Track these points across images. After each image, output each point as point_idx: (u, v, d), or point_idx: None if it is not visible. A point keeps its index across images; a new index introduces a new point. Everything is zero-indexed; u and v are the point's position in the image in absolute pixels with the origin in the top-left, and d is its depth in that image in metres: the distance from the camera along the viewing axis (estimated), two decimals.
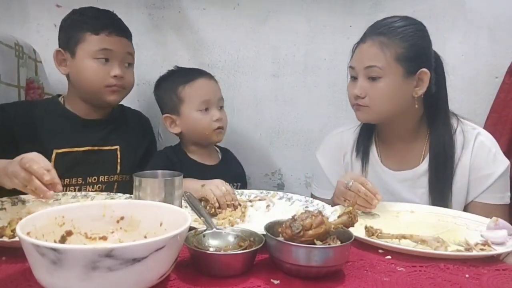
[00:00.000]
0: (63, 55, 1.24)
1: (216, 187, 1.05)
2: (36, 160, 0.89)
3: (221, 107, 1.37)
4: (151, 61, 1.67)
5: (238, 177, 1.41)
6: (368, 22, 1.67)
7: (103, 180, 1.26)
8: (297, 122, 1.70)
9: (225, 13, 1.64)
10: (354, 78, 1.22)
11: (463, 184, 1.19)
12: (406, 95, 1.16)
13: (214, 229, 0.82)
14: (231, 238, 0.80)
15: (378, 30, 1.17)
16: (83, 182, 1.23)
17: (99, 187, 1.25)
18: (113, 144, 1.30)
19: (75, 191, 1.20)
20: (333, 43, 1.66)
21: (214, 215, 1.02)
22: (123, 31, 1.26)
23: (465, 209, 1.19)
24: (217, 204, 1.03)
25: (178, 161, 1.33)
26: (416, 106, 1.18)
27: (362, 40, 1.19)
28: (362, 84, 1.17)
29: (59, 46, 1.25)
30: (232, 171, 1.42)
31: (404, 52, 1.13)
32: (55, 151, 1.20)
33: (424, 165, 1.22)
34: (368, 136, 1.31)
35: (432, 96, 1.20)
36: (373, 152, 1.29)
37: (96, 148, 1.26)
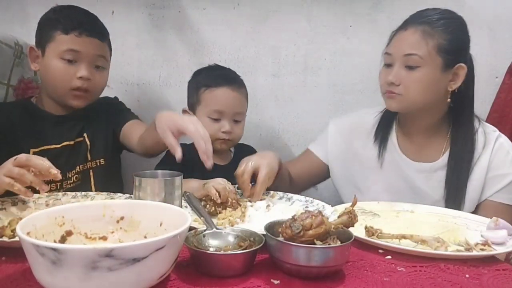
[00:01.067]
0: (36, 52, 1.22)
1: (218, 184, 1.05)
2: (32, 157, 0.90)
3: (238, 121, 1.33)
4: (151, 61, 1.67)
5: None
6: (368, 22, 1.68)
7: (78, 170, 1.25)
8: (297, 122, 1.70)
9: (225, 13, 1.64)
10: (388, 65, 1.20)
11: (479, 183, 1.20)
12: (441, 88, 1.17)
13: (214, 229, 0.81)
14: (231, 238, 0.80)
15: (422, 19, 1.16)
16: (63, 178, 1.21)
17: (76, 177, 1.25)
18: (82, 135, 1.29)
19: (56, 188, 1.20)
20: (333, 43, 1.66)
21: (214, 214, 1.02)
22: (96, 33, 1.22)
23: (477, 207, 1.20)
24: (219, 200, 1.02)
25: (191, 159, 1.31)
26: (449, 100, 1.19)
27: (403, 27, 1.18)
28: (398, 71, 1.16)
29: (35, 43, 1.24)
30: None
31: (446, 44, 1.13)
32: (32, 150, 1.19)
33: (443, 160, 1.22)
34: (388, 123, 1.31)
35: (460, 93, 1.20)
36: (392, 139, 1.29)
37: (72, 142, 1.26)
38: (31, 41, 1.48)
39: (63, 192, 1.10)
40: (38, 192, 0.93)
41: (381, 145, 1.29)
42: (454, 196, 1.19)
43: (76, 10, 1.24)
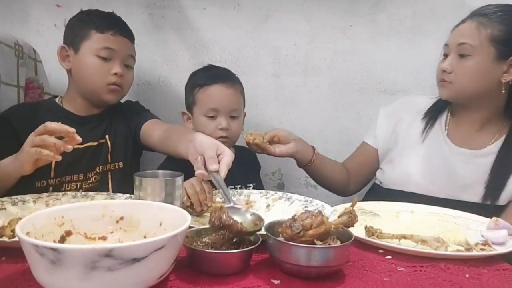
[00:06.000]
0: (67, 51, 1.27)
1: (191, 185, 1.01)
2: (48, 123, 0.93)
3: (235, 117, 1.34)
4: (151, 61, 1.67)
5: (251, 178, 1.41)
6: (368, 22, 1.68)
7: (98, 171, 1.28)
8: (297, 122, 1.70)
9: (225, 13, 1.64)
10: (445, 56, 1.24)
11: None
12: (493, 78, 1.18)
13: (232, 204, 0.83)
14: (248, 215, 0.82)
15: (481, 12, 1.19)
16: (83, 178, 1.25)
17: (95, 178, 1.27)
18: (104, 137, 1.31)
19: (76, 187, 1.23)
20: (333, 43, 1.66)
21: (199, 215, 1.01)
22: (127, 33, 1.30)
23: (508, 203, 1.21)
24: (188, 203, 1.00)
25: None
26: (503, 91, 1.19)
27: (463, 20, 1.22)
28: (451, 60, 1.20)
29: (64, 43, 1.28)
30: (244, 172, 1.38)
31: (500, 34, 1.15)
32: None
33: (490, 149, 1.23)
34: (441, 108, 1.33)
35: None
36: (441, 122, 1.31)
37: (96, 143, 1.28)
38: (31, 41, 1.48)
39: (63, 192, 1.11)
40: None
41: (428, 122, 1.32)
42: (498, 183, 1.20)
43: (105, 13, 1.31)
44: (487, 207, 1.16)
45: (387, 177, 1.34)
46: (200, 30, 1.65)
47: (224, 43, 1.66)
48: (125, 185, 1.19)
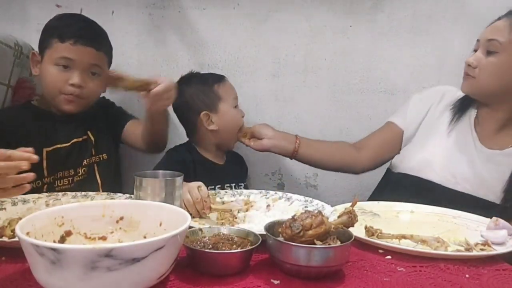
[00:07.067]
0: (37, 57, 1.27)
1: (187, 193, 0.99)
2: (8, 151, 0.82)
3: None
4: (151, 61, 1.67)
5: (241, 178, 1.46)
6: (368, 22, 1.68)
7: (85, 163, 1.30)
8: (297, 122, 1.70)
9: (225, 13, 1.64)
10: (475, 51, 1.22)
11: None
12: None
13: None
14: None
15: None
16: (74, 173, 1.28)
17: (84, 170, 1.30)
18: (87, 133, 1.34)
19: (68, 183, 1.26)
20: (333, 43, 1.66)
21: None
22: (92, 42, 1.23)
23: None
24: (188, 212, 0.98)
25: (191, 160, 1.36)
26: None
27: (499, 18, 1.21)
28: (479, 55, 1.19)
29: (38, 49, 1.28)
30: (237, 171, 1.48)
31: None
32: (44, 150, 1.23)
33: (510, 151, 1.21)
34: (471, 101, 1.30)
35: None
36: (470, 117, 1.29)
37: (80, 139, 1.31)
38: (31, 41, 1.48)
39: (63, 192, 1.11)
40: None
41: (455, 114, 1.30)
42: None
43: (77, 19, 1.28)
44: (505, 207, 1.14)
45: (406, 161, 1.31)
46: (200, 30, 1.65)
47: (224, 43, 1.66)
48: (110, 175, 1.33)
